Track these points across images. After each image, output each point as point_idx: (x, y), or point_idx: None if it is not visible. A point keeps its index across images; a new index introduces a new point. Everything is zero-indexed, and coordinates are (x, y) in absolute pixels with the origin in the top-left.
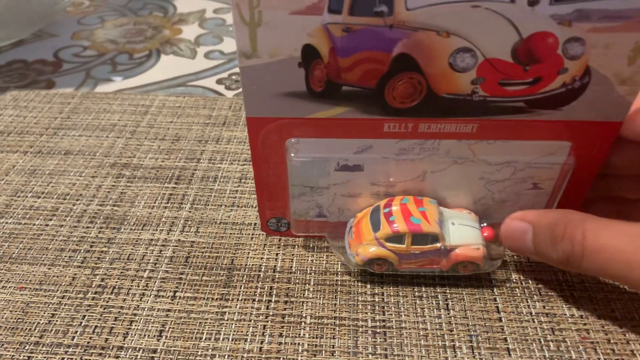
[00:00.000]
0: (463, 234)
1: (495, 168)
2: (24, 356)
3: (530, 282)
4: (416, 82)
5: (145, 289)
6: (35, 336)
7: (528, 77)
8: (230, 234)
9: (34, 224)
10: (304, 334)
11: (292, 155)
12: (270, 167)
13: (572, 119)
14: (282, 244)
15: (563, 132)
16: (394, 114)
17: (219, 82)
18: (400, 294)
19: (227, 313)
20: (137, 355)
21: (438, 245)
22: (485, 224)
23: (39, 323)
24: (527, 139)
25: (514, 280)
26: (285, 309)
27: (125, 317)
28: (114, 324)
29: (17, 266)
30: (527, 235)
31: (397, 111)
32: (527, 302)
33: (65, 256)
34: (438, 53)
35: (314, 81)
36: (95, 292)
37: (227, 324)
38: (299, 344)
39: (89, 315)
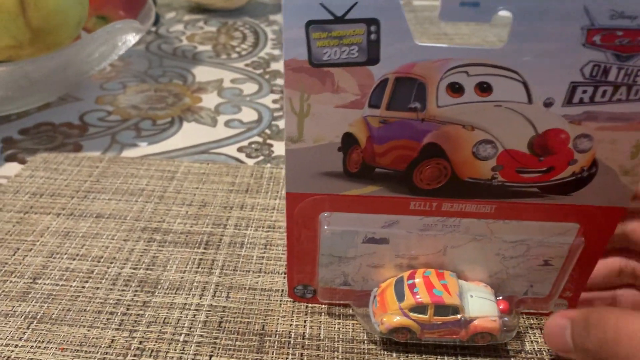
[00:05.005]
0: (481, 306)
1: (510, 245)
2: None
3: (544, 353)
4: (442, 167)
5: (182, 353)
6: None
7: (542, 166)
8: (260, 300)
9: (71, 286)
10: None
11: (325, 227)
12: (302, 237)
13: (580, 203)
14: (309, 311)
15: (572, 215)
16: (420, 194)
17: (239, 150)
18: None
19: None
20: None
21: (458, 316)
22: (500, 297)
23: None
24: (539, 220)
25: (529, 351)
26: None
27: None
28: None
29: (57, 327)
30: (566, 331)
31: (423, 192)
32: None
33: (103, 318)
34: (463, 143)
35: (350, 163)
36: (134, 355)
37: None
38: None
39: None
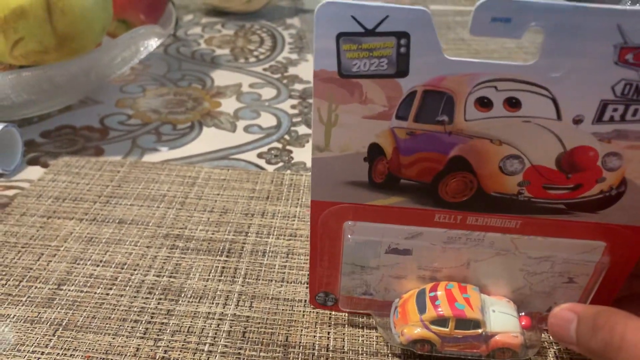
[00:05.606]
0: (503, 322)
1: (535, 261)
2: None
3: None
4: (468, 181)
5: None
6: None
7: (569, 183)
8: (283, 310)
9: (95, 293)
10: None
11: (349, 236)
12: (325, 245)
13: (607, 222)
14: (332, 322)
15: (599, 233)
16: (445, 207)
17: (259, 156)
18: None
19: None
20: None
21: (479, 331)
22: (522, 313)
23: None
24: (565, 237)
25: None
26: None
27: None
28: None
29: (82, 334)
30: (572, 325)
31: (448, 204)
32: None
33: (128, 326)
34: (490, 158)
35: (376, 174)
36: None
37: None
38: None
39: None
